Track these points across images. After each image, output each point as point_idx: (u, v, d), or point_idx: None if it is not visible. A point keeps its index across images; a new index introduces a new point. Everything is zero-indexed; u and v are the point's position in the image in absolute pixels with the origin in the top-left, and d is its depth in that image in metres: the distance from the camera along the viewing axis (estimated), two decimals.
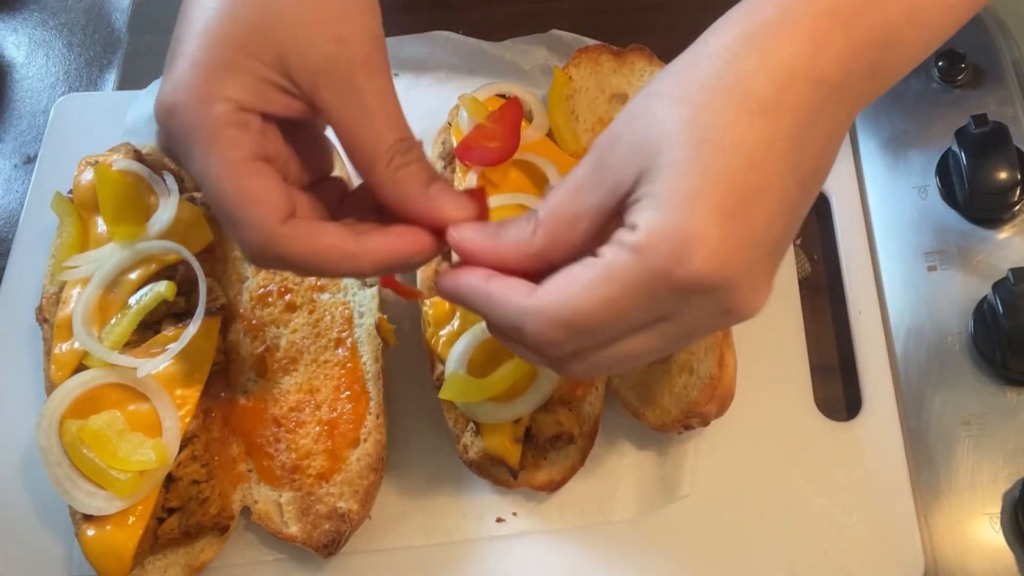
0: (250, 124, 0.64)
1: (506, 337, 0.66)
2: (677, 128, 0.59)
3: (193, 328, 0.90)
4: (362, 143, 0.65)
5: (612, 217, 0.63)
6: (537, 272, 0.64)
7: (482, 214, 0.69)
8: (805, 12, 0.60)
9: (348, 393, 0.92)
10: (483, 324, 0.90)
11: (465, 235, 0.67)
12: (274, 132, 0.67)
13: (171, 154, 0.64)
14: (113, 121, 1.13)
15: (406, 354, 1.00)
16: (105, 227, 0.95)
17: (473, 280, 0.65)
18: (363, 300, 0.96)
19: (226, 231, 0.67)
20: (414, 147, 0.67)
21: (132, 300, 0.91)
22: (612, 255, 0.59)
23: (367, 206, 0.70)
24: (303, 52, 0.63)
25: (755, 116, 0.58)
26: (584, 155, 0.96)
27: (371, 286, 0.96)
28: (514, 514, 0.92)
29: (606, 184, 0.61)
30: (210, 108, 0.62)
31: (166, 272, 0.94)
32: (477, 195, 0.69)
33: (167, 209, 0.96)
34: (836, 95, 0.60)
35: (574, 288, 0.60)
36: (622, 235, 0.59)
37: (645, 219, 0.58)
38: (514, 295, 0.62)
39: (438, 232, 0.67)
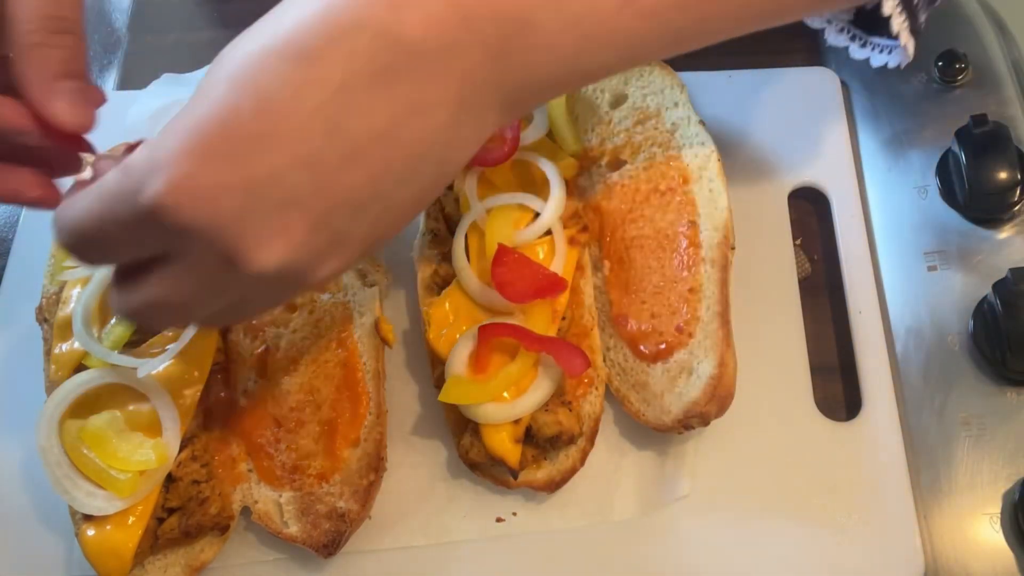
0: None
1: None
2: (214, 76, 0.57)
3: (192, 328, 0.90)
4: (13, 6, 0.61)
5: None
6: None
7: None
8: None
9: (348, 393, 0.92)
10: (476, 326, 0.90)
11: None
12: None
13: None
14: (113, 121, 1.12)
15: (406, 354, 1.00)
16: None
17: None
18: (363, 300, 0.96)
19: None
20: (69, 32, 0.63)
21: None
22: (109, 174, 0.58)
23: None
24: None
25: (288, 62, 0.55)
26: (584, 155, 0.96)
27: (371, 286, 0.96)
28: (514, 514, 0.92)
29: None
30: None
31: None
32: None
33: None
34: (425, 63, 0.55)
35: (74, 200, 0.60)
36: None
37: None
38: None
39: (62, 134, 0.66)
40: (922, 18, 0.85)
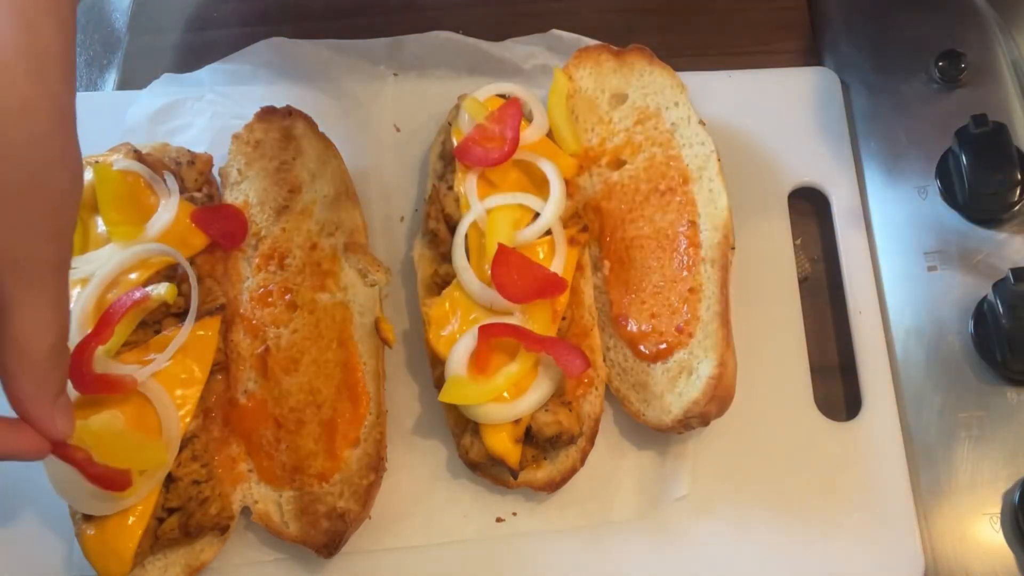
0: None
1: None
2: None
3: (182, 337, 0.89)
4: (25, 337, 0.65)
5: None
6: None
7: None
8: None
9: (348, 393, 0.92)
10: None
11: None
12: None
13: None
14: (113, 121, 1.13)
15: (406, 354, 1.00)
16: (105, 227, 0.94)
17: None
18: (363, 300, 0.95)
19: None
20: (64, 352, 0.68)
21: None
22: None
23: None
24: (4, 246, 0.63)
25: None
26: (584, 155, 0.95)
27: (371, 286, 0.96)
28: (514, 514, 0.92)
29: None
30: None
31: (167, 272, 0.93)
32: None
33: (167, 209, 0.96)
34: None
35: None
36: None
37: None
38: None
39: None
40: None
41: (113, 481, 0.81)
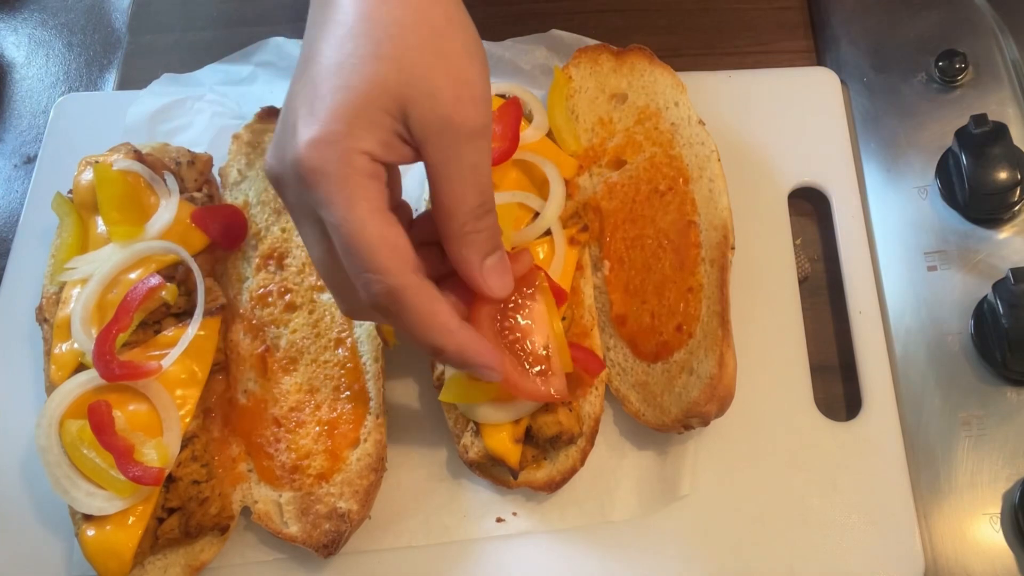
0: (381, 175, 0.68)
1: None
2: None
3: (192, 331, 0.90)
4: (447, 200, 0.70)
5: None
6: None
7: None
8: None
9: (348, 393, 0.92)
10: None
11: None
12: (392, 177, 0.73)
13: (300, 202, 0.69)
14: (113, 121, 1.13)
15: (406, 354, 1.00)
16: (105, 227, 0.95)
17: None
18: None
19: (336, 285, 0.74)
20: (489, 214, 0.72)
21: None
22: None
23: (428, 238, 0.75)
24: (425, 109, 0.67)
25: None
26: (584, 155, 0.95)
27: None
28: (514, 514, 0.92)
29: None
30: (352, 161, 0.66)
31: (167, 272, 0.93)
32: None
33: (167, 209, 0.96)
34: None
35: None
36: None
37: None
38: None
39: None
40: None
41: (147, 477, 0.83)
